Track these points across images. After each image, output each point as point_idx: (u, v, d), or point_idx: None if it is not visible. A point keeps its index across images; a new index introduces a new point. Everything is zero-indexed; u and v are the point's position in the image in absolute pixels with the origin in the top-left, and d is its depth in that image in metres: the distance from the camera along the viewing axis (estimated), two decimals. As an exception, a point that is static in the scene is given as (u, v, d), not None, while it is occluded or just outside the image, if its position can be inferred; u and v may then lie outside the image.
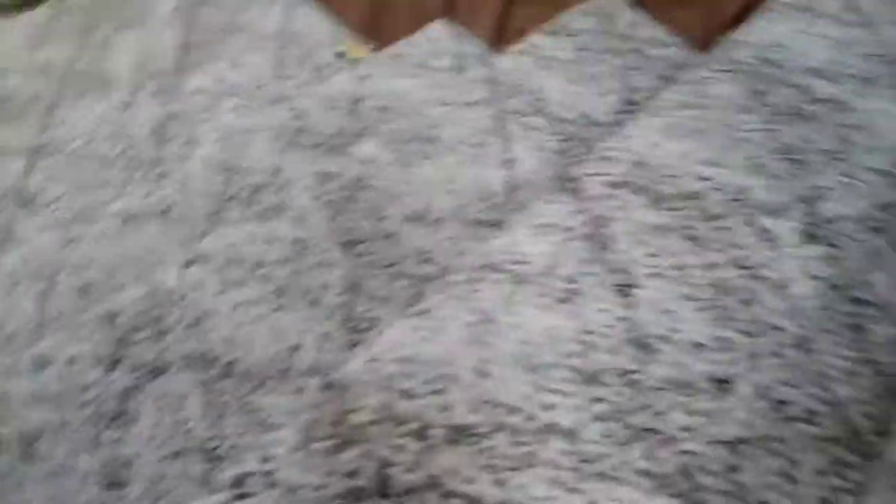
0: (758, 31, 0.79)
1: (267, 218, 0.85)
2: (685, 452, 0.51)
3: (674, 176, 0.63)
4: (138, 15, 1.32)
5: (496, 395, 0.50)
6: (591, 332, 0.54)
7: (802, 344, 0.58)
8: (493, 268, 0.55)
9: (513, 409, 0.50)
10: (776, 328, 0.58)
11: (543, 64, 1.04)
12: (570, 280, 0.55)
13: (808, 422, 0.55)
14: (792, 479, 0.51)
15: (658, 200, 0.61)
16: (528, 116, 0.98)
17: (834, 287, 0.62)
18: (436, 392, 0.50)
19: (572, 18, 1.11)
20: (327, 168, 0.91)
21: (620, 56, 1.08)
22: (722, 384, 0.54)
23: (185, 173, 0.93)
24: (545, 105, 0.98)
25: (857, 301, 0.62)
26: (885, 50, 0.82)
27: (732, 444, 0.52)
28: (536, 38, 1.08)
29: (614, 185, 0.61)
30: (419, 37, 1.26)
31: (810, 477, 0.51)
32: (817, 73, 0.77)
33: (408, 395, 0.50)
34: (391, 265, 0.79)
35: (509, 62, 1.04)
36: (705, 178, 0.64)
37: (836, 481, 0.51)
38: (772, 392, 0.55)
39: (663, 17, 1.16)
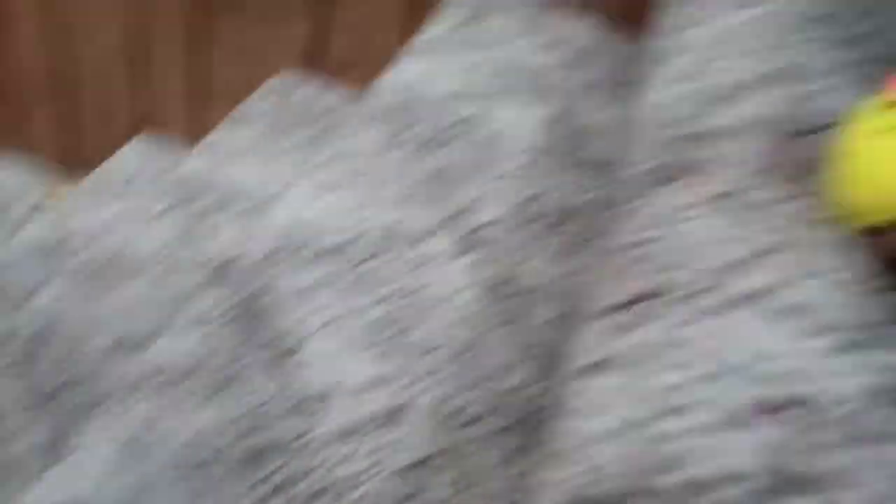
0: (397, 74, 0.83)
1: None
2: (355, 500, 0.51)
3: (324, 231, 0.64)
4: None
5: (153, 508, 0.48)
6: (251, 413, 0.53)
7: (471, 349, 0.61)
8: (144, 382, 0.53)
9: (173, 516, 0.48)
10: (442, 345, 0.60)
11: (231, 154, 1.05)
12: (225, 368, 0.54)
13: (481, 422, 0.56)
14: (468, 483, 0.52)
15: (309, 261, 0.62)
16: (217, 212, 0.97)
17: (492, 287, 0.65)
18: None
19: (251, 105, 1.13)
20: (9, 327, 0.85)
21: (308, 126, 1.11)
22: (393, 415, 0.55)
23: None
24: (235, 195, 0.98)
25: (515, 294, 0.66)
26: (506, 66, 0.89)
27: (405, 471, 0.52)
28: (220, 132, 1.08)
29: (263, 259, 0.61)
30: (115, 160, 1.23)
31: (488, 473, 0.52)
32: (453, 97, 0.82)
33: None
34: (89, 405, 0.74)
35: (196, 161, 1.03)
36: (357, 224, 0.65)
37: (515, 469, 0.53)
38: (446, 405, 0.57)
39: (337, 83, 1.21)
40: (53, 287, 0.91)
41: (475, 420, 0.58)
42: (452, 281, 0.67)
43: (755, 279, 0.31)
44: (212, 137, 1.11)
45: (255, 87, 1.24)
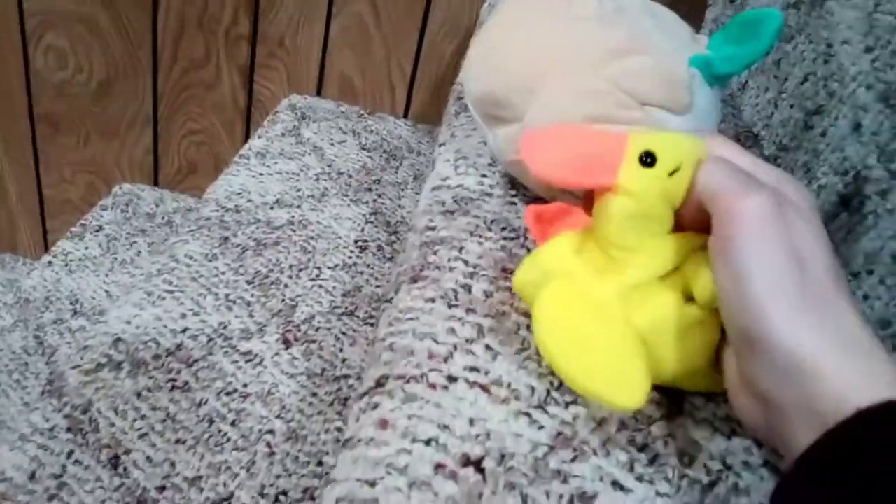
0: (220, 186, 0.89)
1: None
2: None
3: (151, 340, 0.69)
4: None
5: None
6: (84, 514, 0.57)
7: (293, 436, 0.67)
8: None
9: None
10: (267, 432, 0.67)
11: (74, 267, 1.07)
12: (56, 476, 0.58)
13: (309, 498, 0.63)
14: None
15: (138, 368, 0.67)
16: (66, 322, 0.99)
17: (314, 375, 0.72)
18: None
19: (94, 217, 1.16)
20: None
21: (149, 235, 1.15)
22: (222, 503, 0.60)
23: None
24: (80, 305, 1.01)
25: (337, 378, 0.73)
26: (330, 168, 0.97)
27: (237, 552, 0.57)
28: (63, 245, 1.11)
29: (93, 370, 0.65)
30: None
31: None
32: (276, 204, 0.89)
33: None
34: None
35: (37, 277, 1.05)
36: (183, 331, 0.71)
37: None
38: (270, 489, 0.62)
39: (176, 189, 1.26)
40: None
41: (302, 499, 0.64)
42: (275, 373, 0.74)
43: (461, 362, 0.41)
44: (53, 252, 1.14)
45: (97, 200, 1.28)
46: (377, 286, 0.86)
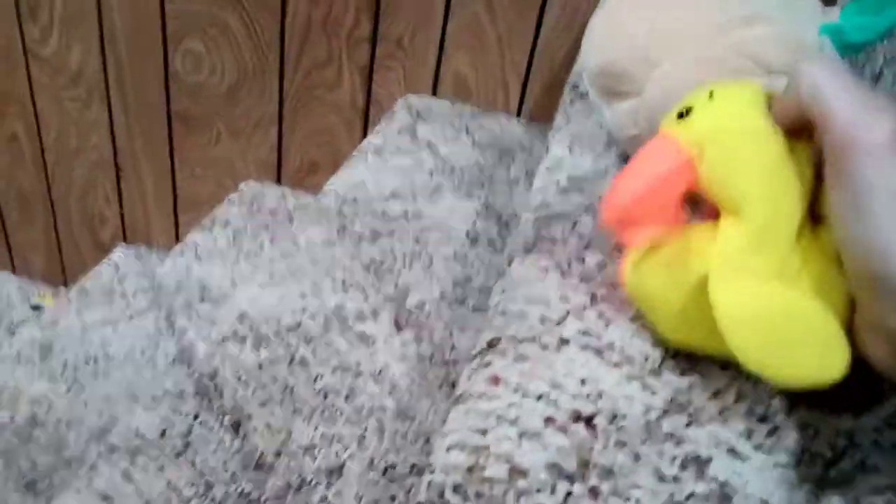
0: (340, 179, 0.93)
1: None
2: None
3: (273, 317, 0.73)
4: None
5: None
6: (212, 471, 0.61)
7: (402, 414, 0.69)
8: (111, 449, 0.61)
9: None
10: (379, 409, 0.68)
11: (203, 256, 1.14)
12: (183, 436, 0.62)
13: (416, 474, 0.64)
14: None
15: (261, 342, 0.70)
16: (194, 306, 1.06)
17: (424, 359, 0.74)
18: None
19: (222, 211, 1.23)
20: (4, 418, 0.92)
21: (271, 229, 1.20)
22: (333, 473, 0.63)
23: None
24: (208, 292, 1.07)
25: (446, 363, 0.74)
26: (443, 164, 0.99)
27: (347, 519, 0.59)
28: (194, 236, 1.18)
29: (220, 342, 0.70)
30: (98, 269, 1.32)
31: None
32: (391, 196, 0.92)
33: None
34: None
35: (170, 265, 1.12)
36: (302, 310, 0.74)
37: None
38: (380, 463, 0.64)
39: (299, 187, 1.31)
40: (41, 383, 0.99)
41: (408, 475, 0.66)
42: (386, 355, 0.76)
43: (574, 326, 0.41)
44: (184, 243, 1.21)
45: (224, 196, 1.35)
46: (487, 277, 0.87)
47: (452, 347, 0.78)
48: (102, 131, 1.43)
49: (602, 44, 0.51)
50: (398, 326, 0.79)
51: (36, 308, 1.48)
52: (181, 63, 1.29)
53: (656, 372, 0.40)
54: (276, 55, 1.23)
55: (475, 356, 0.43)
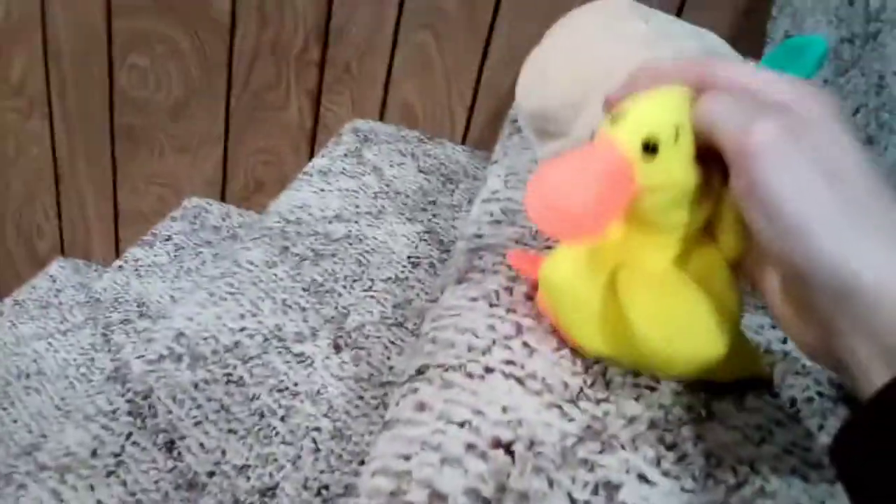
0: (284, 199, 0.94)
1: None
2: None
3: (211, 336, 0.73)
4: None
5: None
6: (137, 493, 0.60)
7: (338, 434, 0.69)
8: (41, 467, 0.60)
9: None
10: (314, 430, 0.69)
11: (143, 272, 1.13)
12: (115, 455, 0.62)
13: (349, 495, 0.65)
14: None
15: (197, 361, 0.70)
16: (132, 322, 1.04)
17: (361, 380, 0.75)
18: None
19: (164, 226, 1.22)
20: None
21: (214, 246, 1.20)
22: (267, 492, 0.63)
23: None
24: (146, 308, 1.06)
25: (383, 384, 0.75)
26: (388, 187, 1.01)
27: (278, 539, 0.60)
28: (134, 252, 1.17)
29: (156, 360, 0.69)
30: (35, 281, 1.29)
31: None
32: (335, 218, 0.93)
33: None
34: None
35: (108, 280, 1.11)
36: (241, 330, 0.75)
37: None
38: (313, 483, 0.65)
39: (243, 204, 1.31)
40: (-35, 399, 0.96)
41: (338, 497, 0.67)
42: (325, 376, 0.76)
43: (499, 355, 0.43)
44: (124, 258, 1.20)
45: (167, 211, 1.34)
46: (427, 300, 0.88)
47: (390, 368, 0.79)
48: (43, 143, 1.40)
49: (532, 89, 0.53)
50: (337, 348, 0.80)
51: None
52: (126, 78, 1.28)
53: (574, 400, 0.42)
54: (224, 74, 1.24)
55: (404, 382, 0.45)
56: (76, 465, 0.63)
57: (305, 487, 0.66)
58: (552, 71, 0.51)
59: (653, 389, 0.44)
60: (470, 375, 0.43)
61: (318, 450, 0.70)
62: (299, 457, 0.69)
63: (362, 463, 0.69)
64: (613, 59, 0.49)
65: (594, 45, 0.50)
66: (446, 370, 0.43)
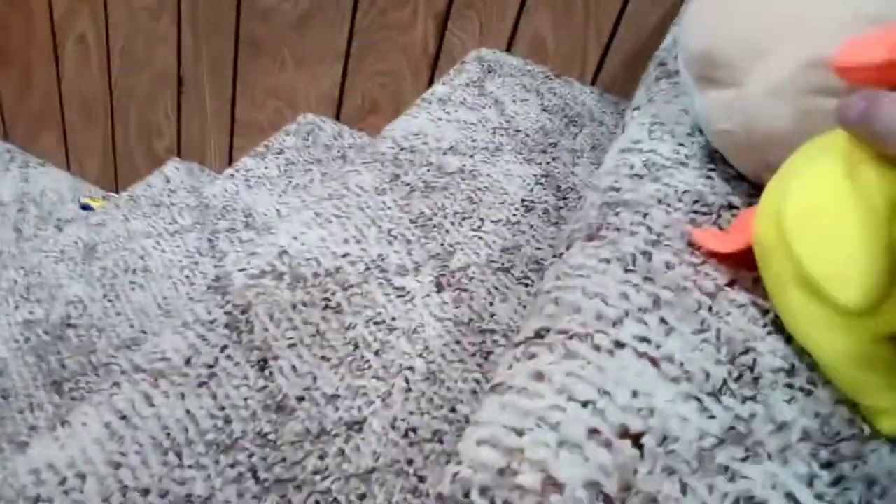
0: (399, 125, 0.90)
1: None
2: (319, 492, 0.56)
3: (314, 258, 0.70)
4: None
5: (128, 482, 0.53)
6: (226, 408, 0.59)
7: (431, 377, 0.66)
8: (135, 368, 0.59)
9: (145, 491, 0.53)
10: (407, 368, 0.66)
11: (252, 183, 1.12)
12: (208, 366, 0.60)
13: (437, 441, 0.61)
14: (419, 493, 0.57)
15: (298, 282, 0.68)
16: (238, 231, 1.04)
17: (461, 323, 0.70)
18: (67, 491, 0.53)
19: (277, 140, 1.21)
20: (33, 317, 0.92)
21: (324, 165, 1.18)
22: (354, 426, 0.60)
23: None
24: (252, 219, 1.05)
25: (483, 331, 0.71)
26: (508, 124, 0.95)
27: (363, 475, 0.57)
28: (246, 161, 1.16)
29: (257, 275, 0.67)
30: (150, 179, 1.31)
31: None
32: (449, 150, 0.88)
33: (41, 500, 0.52)
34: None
35: (219, 187, 1.10)
36: (343, 255, 0.72)
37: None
38: (401, 423, 0.62)
39: (357, 125, 1.28)
40: (80, 285, 0.98)
41: (429, 440, 0.63)
42: (424, 314, 0.73)
43: (631, 329, 0.37)
44: (235, 167, 1.19)
45: (282, 125, 1.32)
46: (537, 248, 0.83)
47: (492, 316, 0.75)
48: (169, 44, 1.40)
49: (705, 22, 0.46)
50: (439, 286, 0.76)
51: (85, 207, 1.49)
52: (256, -16, 1.25)
53: (716, 394, 0.36)
54: (352, -12, 1.19)
55: (519, 344, 0.40)
56: (170, 371, 0.62)
57: (393, 427, 0.63)
58: (731, 7, 0.43)
59: (808, 393, 0.37)
60: (597, 348, 0.37)
61: (409, 389, 0.66)
62: (390, 394, 0.65)
63: (453, 410, 0.65)
64: (813, 2, 0.41)
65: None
66: (570, 337, 0.38)
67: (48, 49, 1.53)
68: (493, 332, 0.74)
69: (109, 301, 0.97)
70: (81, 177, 1.70)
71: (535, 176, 0.92)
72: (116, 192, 1.67)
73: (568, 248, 0.46)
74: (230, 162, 1.48)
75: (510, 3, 1.10)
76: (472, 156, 0.93)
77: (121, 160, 1.63)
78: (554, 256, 0.47)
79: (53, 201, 1.49)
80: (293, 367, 0.65)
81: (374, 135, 1.28)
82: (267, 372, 0.64)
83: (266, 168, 1.17)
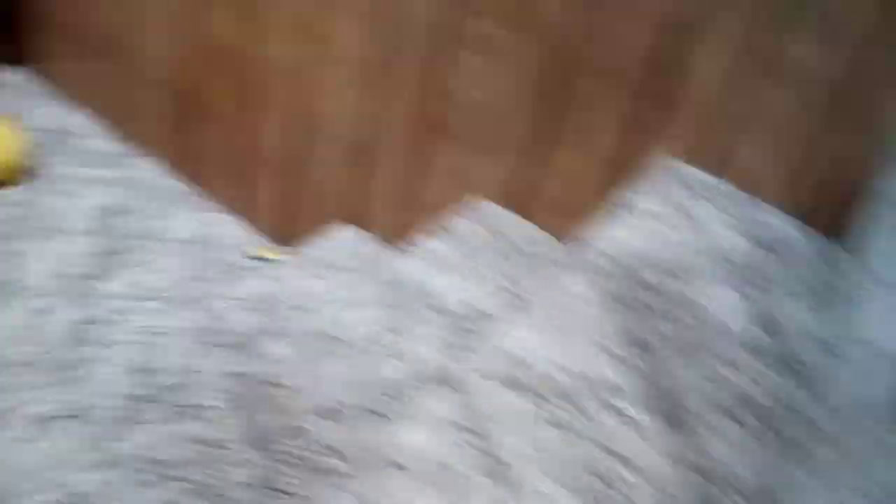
0: (606, 230, 0.90)
1: (181, 419, 0.88)
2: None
3: (537, 367, 0.71)
4: (53, 226, 1.37)
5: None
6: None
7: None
8: (377, 458, 0.61)
9: None
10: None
11: (433, 264, 1.14)
12: (445, 466, 0.61)
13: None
14: None
15: (530, 393, 0.68)
16: (420, 314, 1.06)
17: (682, 463, 0.69)
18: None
19: (451, 223, 1.23)
20: (240, 369, 0.95)
21: (502, 255, 1.19)
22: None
23: (101, 376, 0.96)
24: (436, 301, 1.07)
25: (704, 472, 0.69)
26: (710, 250, 0.94)
27: None
28: (424, 241, 1.19)
29: (489, 377, 0.68)
30: (325, 241, 1.35)
31: None
32: (658, 268, 0.88)
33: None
34: (301, 460, 0.82)
35: (403, 263, 1.13)
36: (573, 375, 0.72)
37: None
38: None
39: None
40: (280, 343, 1.01)
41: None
42: (646, 450, 0.71)
43: None
44: (417, 244, 1.21)
45: (455, 207, 1.35)
46: (766, 398, 0.80)
47: (710, 457, 0.73)
48: (366, 118, 1.45)
49: None
50: (670, 424, 0.74)
51: (254, 258, 1.53)
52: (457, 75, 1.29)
53: None
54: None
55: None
56: (406, 465, 0.62)
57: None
58: None
59: None
60: None
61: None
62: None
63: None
64: None
65: None
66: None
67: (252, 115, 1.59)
68: (713, 472, 0.71)
69: (309, 364, 0.99)
70: (254, 229, 1.74)
71: (748, 309, 0.90)
72: (286, 248, 1.71)
73: (857, 431, 0.44)
74: (400, 238, 1.50)
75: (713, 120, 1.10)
76: (680, 278, 0.92)
77: (292, 217, 1.68)
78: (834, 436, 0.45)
79: (226, 248, 1.55)
80: (530, 483, 0.64)
81: (553, 232, 1.28)
82: (504, 481, 0.63)
83: (443, 251, 1.19)
